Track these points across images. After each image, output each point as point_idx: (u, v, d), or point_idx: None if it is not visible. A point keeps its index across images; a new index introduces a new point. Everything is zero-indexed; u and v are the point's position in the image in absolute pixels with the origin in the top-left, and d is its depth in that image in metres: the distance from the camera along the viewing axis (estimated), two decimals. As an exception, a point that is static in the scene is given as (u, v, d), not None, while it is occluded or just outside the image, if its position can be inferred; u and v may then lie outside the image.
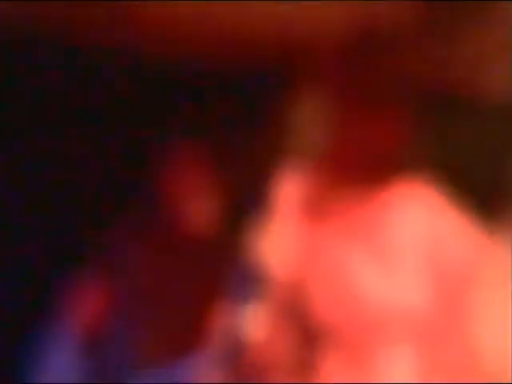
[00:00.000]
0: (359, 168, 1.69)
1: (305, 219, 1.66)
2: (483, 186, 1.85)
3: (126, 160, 2.45)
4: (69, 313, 2.34)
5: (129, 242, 2.42)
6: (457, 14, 2.75)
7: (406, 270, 1.64)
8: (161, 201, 2.38)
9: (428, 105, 1.74)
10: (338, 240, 1.65)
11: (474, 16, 2.76)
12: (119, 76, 2.46)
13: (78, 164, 2.52)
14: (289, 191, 1.67)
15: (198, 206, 2.39)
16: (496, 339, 1.66)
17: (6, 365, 2.20)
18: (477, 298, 1.65)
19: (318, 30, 1.85)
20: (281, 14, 2.38)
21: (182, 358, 2.35)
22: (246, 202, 2.40)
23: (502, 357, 1.65)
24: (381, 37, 1.72)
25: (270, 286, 1.69)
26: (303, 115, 1.74)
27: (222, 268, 2.37)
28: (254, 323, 1.69)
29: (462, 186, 1.69)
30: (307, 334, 1.63)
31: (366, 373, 1.60)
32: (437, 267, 1.63)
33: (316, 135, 1.68)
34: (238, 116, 2.47)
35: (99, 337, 2.35)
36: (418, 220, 1.69)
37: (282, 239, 1.67)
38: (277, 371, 1.68)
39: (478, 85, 2.66)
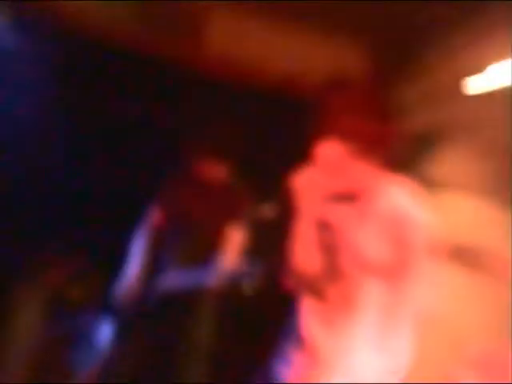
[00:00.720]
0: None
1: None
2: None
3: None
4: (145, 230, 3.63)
5: (178, 190, 3.64)
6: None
7: (380, 236, 2.08)
8: (199, 168, 3.59)
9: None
10: (344, 203, 2.13)
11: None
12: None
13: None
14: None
15: (222, 170, 3.59)
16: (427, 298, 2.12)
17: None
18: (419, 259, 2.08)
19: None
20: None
21: (208, 262, 3.48)
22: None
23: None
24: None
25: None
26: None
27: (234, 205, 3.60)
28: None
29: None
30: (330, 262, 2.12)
31: (349, 298, 2.08)
32: (399, 235, 2.07)
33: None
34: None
35: (160, 243, 3.60)
36: (389, 192, 2.13)
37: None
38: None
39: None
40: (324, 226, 2.11)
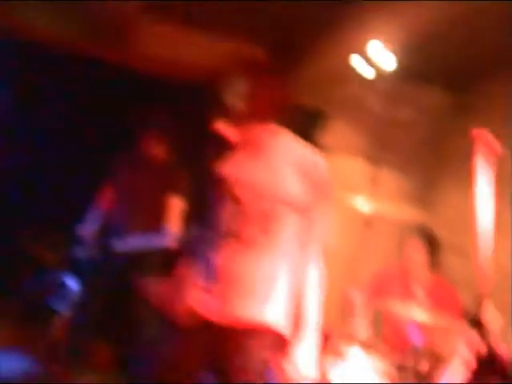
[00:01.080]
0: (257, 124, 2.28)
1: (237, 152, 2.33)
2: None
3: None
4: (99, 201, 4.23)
5: (125, 167, 4.24)
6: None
7: (287, 174, 2.25)
8: (142, 149, 4.22)
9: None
10: (250, 159, 2.31)
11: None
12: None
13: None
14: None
15: (161, 150, 4.21)
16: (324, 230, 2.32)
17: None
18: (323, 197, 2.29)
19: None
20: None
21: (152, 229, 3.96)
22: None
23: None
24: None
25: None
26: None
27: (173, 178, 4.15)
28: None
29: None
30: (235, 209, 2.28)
31: (267, 231, 2.24)
32: (303, 172, 2.24)
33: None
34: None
35: (112, 212, 4.22)
36: (289, 144, 2.33)
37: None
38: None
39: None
40: (234, 182, 2.31)
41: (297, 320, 2.29)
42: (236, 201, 2.26)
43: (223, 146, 2.32)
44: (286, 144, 2.33)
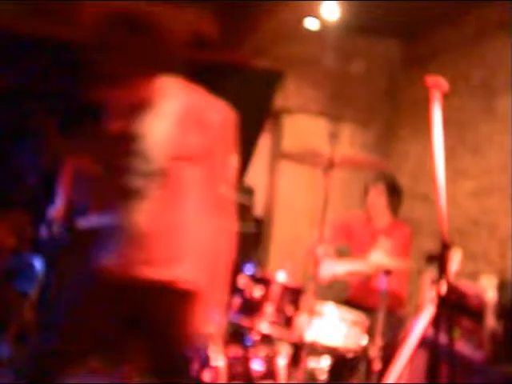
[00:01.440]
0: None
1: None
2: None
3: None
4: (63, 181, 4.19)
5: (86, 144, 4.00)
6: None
7: (180, 125, 2.19)
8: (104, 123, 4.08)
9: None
10: (144, 116, 2.24)
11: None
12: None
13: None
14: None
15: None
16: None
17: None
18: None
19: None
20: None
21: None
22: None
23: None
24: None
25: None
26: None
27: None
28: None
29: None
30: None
31: (170, 186, 2.16)
32: (196, 122, 2.19)
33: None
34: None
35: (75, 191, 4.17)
36: (183, 94, 2.25)
37: None
38: None
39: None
40: (129, 137, 2.25)
41: (209, 274, 2.22)
42: (136, 158, 2.20)
43: (115, 108, 2.30)
44: (178, 95, 2.26)
